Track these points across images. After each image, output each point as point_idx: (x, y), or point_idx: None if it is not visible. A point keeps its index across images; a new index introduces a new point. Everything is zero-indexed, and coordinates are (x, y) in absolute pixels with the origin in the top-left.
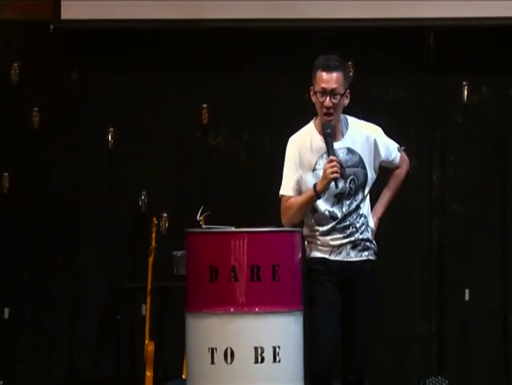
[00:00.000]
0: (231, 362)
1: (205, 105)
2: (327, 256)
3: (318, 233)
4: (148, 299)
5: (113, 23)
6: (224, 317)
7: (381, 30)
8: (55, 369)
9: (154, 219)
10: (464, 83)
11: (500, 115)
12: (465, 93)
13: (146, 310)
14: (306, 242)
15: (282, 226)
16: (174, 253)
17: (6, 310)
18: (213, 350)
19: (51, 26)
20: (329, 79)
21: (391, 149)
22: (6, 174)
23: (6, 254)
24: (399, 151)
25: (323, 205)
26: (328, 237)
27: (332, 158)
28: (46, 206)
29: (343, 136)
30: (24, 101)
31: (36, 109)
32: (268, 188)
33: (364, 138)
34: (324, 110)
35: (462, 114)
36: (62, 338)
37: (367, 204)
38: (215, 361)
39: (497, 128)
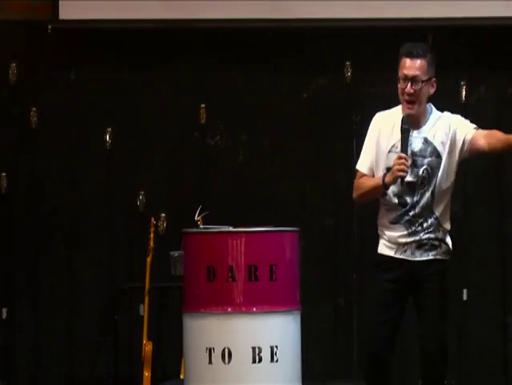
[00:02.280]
0: (229, 362)
1: (203, 105)
2: (392, 254)
3: (386, 221)
4: (146, 299)
5: (111, 23)
6: (221, 317)
7: (379, 30)
8: (54, 369)
9: (152, 219)
10: (462, 82)
11: (498, 114)
12: (464, 93)
13: (144, 309)
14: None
15: (280, 226)
16: (172, 253)
17: (4, 310)
18: (210, 350)
19: (50, 26)
20: (411, 65)
21: (467, 129)
22: (4, 174)
23: (3, 254)
24: (475, 128)
25: (393, 190)
26: (395, 233)
27: (402, 155)
28: (44, 206)
29: (423, 125)
30: (22, 101)
31: (34, 109)
32: (266, 188)
33: (445, 129)
34: (405, 96)
35: (461, 113)
36: (61, 338)
37: (443, 208)
38: (213, 361)
39: (495, 128)
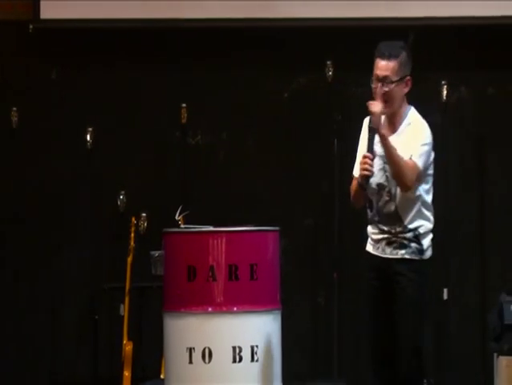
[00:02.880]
0: (209, 362)
1: (184, 104)
2: (371, 250)
3: (368, 219)
4: (127, 299)
5: (92, 23)
6: (202, 316)
7: (361, 30)
8: (34, 368)
9: (133, 219)
10: (443, 82)
11: (479, 114)
12: (445, 92)
13: (124, 309)
14: None
15: (260, 226)
16: (152, 252)
17: None
18: (191, 349)
19: (31, 26)
20: (382, 66)
21: (406, 148)
22: None
23: None
24: (410, 157)
25: (369, 189)
26: (371, 230)
27: (366, 154)
28: (25, 206)
29: (396, 131)
30: (3, 101)
31: (15, 109)
32: (247, 188)
33: (410, 137)
34: (376, 97)
35: (441, 113)
36: (42, 338)
37: (412, 215)
38: (193, 360)
39: (476, 127)
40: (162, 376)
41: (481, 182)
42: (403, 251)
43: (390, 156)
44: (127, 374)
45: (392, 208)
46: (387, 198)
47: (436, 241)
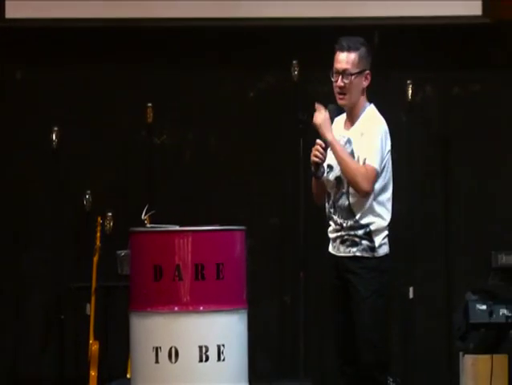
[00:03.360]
0: (175, 362)
1: (149, 104)
2: (330, 249)
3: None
4: (93, 298)
5: (58, 23)
6: (168, 316)
7: (327, 29)
8: None
9: (99, 218)
10: (408, 81)
11: (444, 113)
12: (410, 92)
13: (90, 309)
14: None
15: (226, 225)
16: (118, 252)
17: None
18: (157, 349)
19: None
20: (341, 59)
21: (360, 150)
22: None
23: None
24: (363, 161)
25: (327, 184)
26: (329, 228)
27: (318, 142)
28: None
29: (352, 125)
30: None
31: None
32: (212, 187)
33: (365, 132)
34: (336, 89)
35: (406, 112)
36: (6, 338)
37: (365, 210)
38: (159, 360)
39: (440, 127)
40: (128, 376)
41: (446, 182)
42: (354, 249)
43: (341, 163)
44: (93, 373)
45: (346, 202)
46: (343, 191)
47: (401, 241)
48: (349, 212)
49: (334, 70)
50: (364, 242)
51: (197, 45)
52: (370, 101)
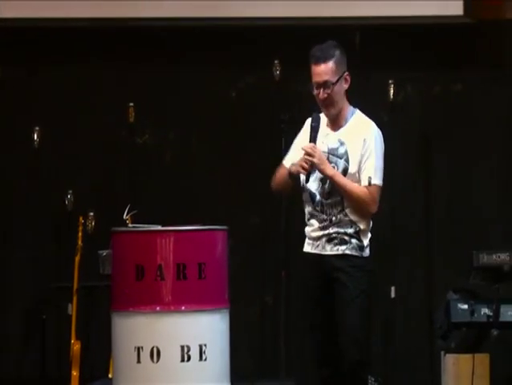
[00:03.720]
0: (157, 361)
1: (131, 104)
2: (309, 249)
3: (306, 218)
4: (75, 298)
5: (41, 22)
6: (150, 316)
7: (308, 29)
8: None
9: (80, 218)
10: (390, 81)
11: (425, 113)
12: (391, 91)
13: (72, 309)
14: None
15: (208, 225)
16: (100, 252)
17: None
18: (139, 349)
19: None
20: (319, 71)
21: (364, 170)
22: None
23: None
24: (369, 182)
25: (309, 185)
26: (310, 228)
27: (306, 150)
28: None
29: (342, 127)
30: None
31: None
32: (194, 187)
33: (360, 136)
34: (320, 102)
35: (388, 112)
36: None
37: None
38: (141, 360)
39: (422, 127)
40: (110, 376)
41: (427, 181)
42: (343, 247)
43: (345, 193)
44: (75, 373)
45: (338, 197)
46: (331, 189)
47: (383, 240)
48: (340, 207)
49: (313, 83)
50: (354, 241)
51: (179, 45)
52: (349, 100)
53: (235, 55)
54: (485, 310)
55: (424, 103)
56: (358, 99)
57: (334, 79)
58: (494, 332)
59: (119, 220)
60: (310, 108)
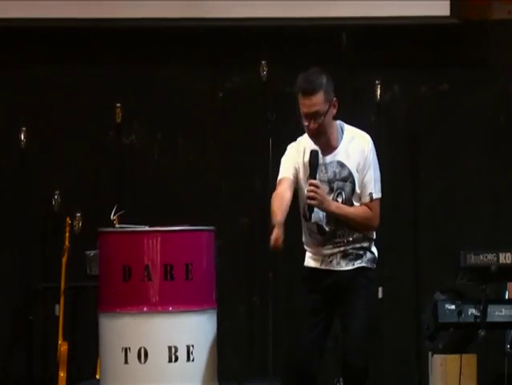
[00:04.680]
0: (145, 362)
1: (118, 104)
2: (318, 265)
3: (310, 242)
4: (62, 299)
5: (26, 22)
6: (137, 316)
7: (295, 30)
8: None
9: (67, 218)
10: (376, 81)
11: (412, 113)
12: (378, 92)
13: (59, 309)
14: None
15: (195, 226)
16: (87, 252)
17: None
18: (126, 349)
19: None
20: (309, 103)
21: (365, 186)
22: None
23: None
24: (371, 198)
25: (312, 217)
26: (320, 248)
27: (313, 182)
28: None
29: (336, 148)
30: None
31: None
32: (181, 187)
33: (358, 151)
34: (310, 133)
35: (375, 112)
36: None
37: None
38: (129, 361)
39: (409, 127)
40: (98, 376)
41: (414, 182)
42: (359, 261)
43: (349, 221)
44: (62, 374)
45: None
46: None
47: None
48: (351, 229)
49: (302, 114)
50: (368, 254)
51: (166, 45)
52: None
53: (222, 56)
54: (472, 311)
55: (411, 102)
56: (345, 99)
57: (324, 109)
58: (482, 332)
59: (107, 221)
60: (296, 109)
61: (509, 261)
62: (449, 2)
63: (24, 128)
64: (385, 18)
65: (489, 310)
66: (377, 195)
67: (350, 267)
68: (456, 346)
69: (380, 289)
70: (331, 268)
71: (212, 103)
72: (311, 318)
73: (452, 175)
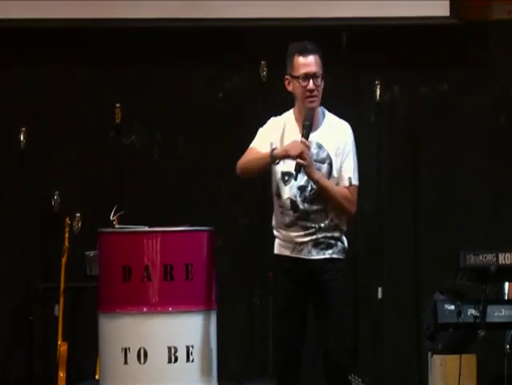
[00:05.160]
0: (144, 362)
1: (118, 104)
2: (288, 253)
3: (282, 224)
4: (61, 299)
5: (25, 22)
6: (137, 317)
7: (295, 30)
8: None
9: (67, 219)
10: (376, 82)
11: (412, 114)
12: (378, 92)
13: (59, 310)
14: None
15: (195, 226)
16: (87, 253)
17: None
18: (126, 350)
19: None
20: (309, 62)
21: (344, 171)
22: None
23: None
24: (350, 183)
25: (286, 193)
26: (291, 233)
27: (305, 141)
28: None
29: (316, 129)
30: None
31: None
32: (181, 188)
33: (338, 135)
34: (307, 93)
35: (375, 113)
36: None
37: (338, 211)
38: (128, 361)
39: (409, 127)
40: (97, 377)
41: (414, 182)
42: (330, 251)
43: (329, 196)
44: (62, 374)
45: (319, 206)
46: (311, 196)
47: (370, 241)
48: (324, 215)
49: (301, 74)
50: (339, 244)
51: (166, 45)
52: (335, 101)
53: (222, 56)
54: (472, 311)
55: (411, 103)
56: (345, 99)
57: (321, 72)
58: (481, 333)
59: (106, 221)
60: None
61: (508, 262)
62: (448, 3)
63: (24, 128)
64: (385, 18)
65: (488, 310)
66: (355, 182)
67: (321, 256)
68: (455, 347)
69: (380, 289)
70: (302, 256)
71: (212, 104)
72: (288, 306)
73: (452, 175)
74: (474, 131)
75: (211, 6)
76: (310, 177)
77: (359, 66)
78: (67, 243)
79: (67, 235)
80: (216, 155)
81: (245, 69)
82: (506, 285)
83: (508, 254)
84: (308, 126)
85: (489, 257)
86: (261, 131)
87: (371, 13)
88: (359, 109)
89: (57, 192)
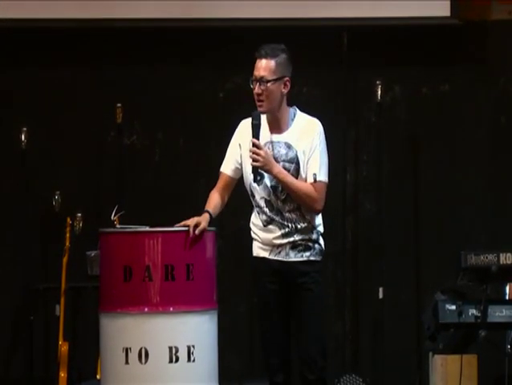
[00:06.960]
0: (145, 362)
1: (119, 104)
2: (266, 255)
3: (260, 223)
4: (62, 299)
5: (26, 22)
6: (138, 317)
7: (294, 30)
8: None
9: (68, 219)
10: (377, 82)
11: (412, 114)
12: (379, 92)
13: (60, 310)
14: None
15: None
16: (88, 253)
17: None
18: (127, 350)
19: None
20: (258, 66)
21: (309, 167)
22: None
23: None
24: (314, 179)
25: (259, 193)
26: (269, 235)
27: (254, 142)
28: None
29: (286, 130)
30: None
31: None
32: (182, 188)
33: (306, 134)
34: (255, 96)
35: (375, 113)
36: None
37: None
38: (129, 361)
39: (409, 127)
40: (98, 377)
41: (415, 182)
42: (307, 253)
43: (291, 191)
44: (62, 375)
45: (294, 205)
46: (285, 195)
47: (370, 241)
48: (299, 215)
49: (253, 77)
50: (316, 246)
51: (166, 45)
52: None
53: (223, 56)
54: (472, 311)
55: (412, 103)
56: (345, 99)
57: (270, 78)
58: (482, 333)
59: (107, 221)
60: (298, 109)
61: (509, 262)
62: (449, 3)
63: (25, 129)
64: (386, 18)
65: (489, 310)
66: (322, 178)
67: (299, 258)
68: (456, 347)
69: (381, 289)
70: (280, 258)
71: (212, 104)
72: (271, 306)
73: (452, 175)
74: (474, 131)
75: (211, 6)
76: (269, 174)
77: (360, 66)
78: (67, 243)
79: (67, 235)
80: (216, 155)
81: (246, 69)
82: (507, 285)
83: (509, 254)
84: (256, 125)
85: (490, 257)
86: (229, 147)
87: (372, 13)
88: (360, 109)
89: (58, 192)
